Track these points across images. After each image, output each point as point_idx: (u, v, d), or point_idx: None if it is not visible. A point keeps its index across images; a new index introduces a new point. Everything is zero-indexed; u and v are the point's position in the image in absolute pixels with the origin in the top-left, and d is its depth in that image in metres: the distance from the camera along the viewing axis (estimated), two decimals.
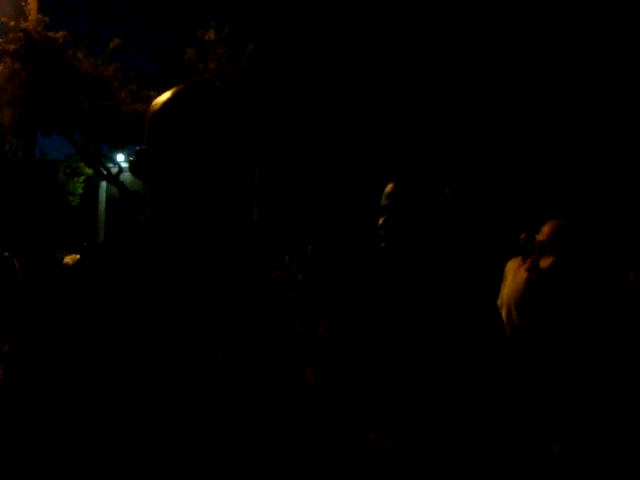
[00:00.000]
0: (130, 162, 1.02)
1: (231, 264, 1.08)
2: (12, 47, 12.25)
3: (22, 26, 12.35)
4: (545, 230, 1.72)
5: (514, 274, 6.53)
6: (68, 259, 6.33)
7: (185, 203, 0.98)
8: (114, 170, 16.14)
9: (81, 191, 19.70)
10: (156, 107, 1.03)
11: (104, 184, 17.95)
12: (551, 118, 18.87)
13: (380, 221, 1.57)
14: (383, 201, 1.57)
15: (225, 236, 1.00)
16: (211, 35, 15.13)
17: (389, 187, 1.57)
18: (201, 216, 0.98)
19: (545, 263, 1.80)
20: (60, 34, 12.56)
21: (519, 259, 6.59)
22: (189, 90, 1.01)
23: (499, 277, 6.94)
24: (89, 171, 18.13)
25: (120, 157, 16.37)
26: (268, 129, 15.67)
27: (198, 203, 0.97)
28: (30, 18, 12.46)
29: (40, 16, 12.54)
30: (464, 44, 19.16)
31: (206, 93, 1.01)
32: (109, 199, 18.40)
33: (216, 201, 0.98)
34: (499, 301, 6.70)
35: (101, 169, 15.88)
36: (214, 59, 15.08)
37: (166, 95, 1.03)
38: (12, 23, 12.34)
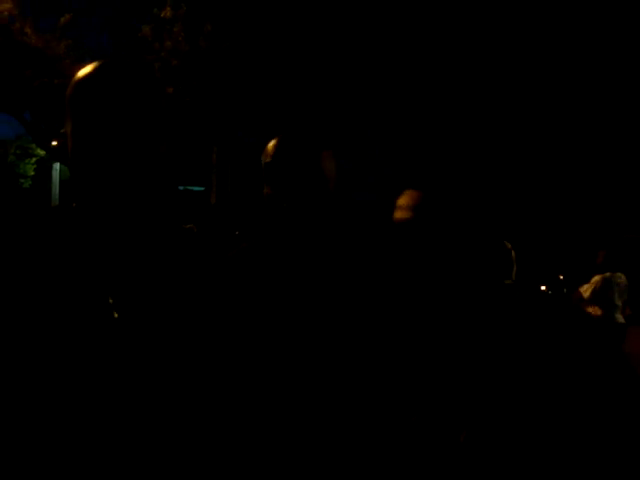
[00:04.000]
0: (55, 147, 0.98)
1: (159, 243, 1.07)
2: None
3: None
4: None
5: None
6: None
7: (95, 184, 0.99)
8: None
9: (33, 173, 19.09)
10: (68, 89, 1.03)
11: (57, 166, 17.36)
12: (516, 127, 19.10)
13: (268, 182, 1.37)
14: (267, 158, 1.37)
15: (144, 212, 1.01)
16: (167, 13, 14.71)
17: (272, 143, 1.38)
18: (112, 196, 0.99)
19: None
20: (5, 6, 12.01)
21: None
22: (96, 70, 1.01)
23: None
24: (41, 152, 17.56)
25: None
26: (225, 111, 15.41)
27: (107, 185, 0.98)
28: None
29: None
30: (437, 40, 19.19)
31: (112, 72, 1.00)
32: (63, 181, 17.80)
33: (125, 181, 0.98)
34: None
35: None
36: (170, 37, 14.68)
37: (77, 75, 1.03)
38: None
